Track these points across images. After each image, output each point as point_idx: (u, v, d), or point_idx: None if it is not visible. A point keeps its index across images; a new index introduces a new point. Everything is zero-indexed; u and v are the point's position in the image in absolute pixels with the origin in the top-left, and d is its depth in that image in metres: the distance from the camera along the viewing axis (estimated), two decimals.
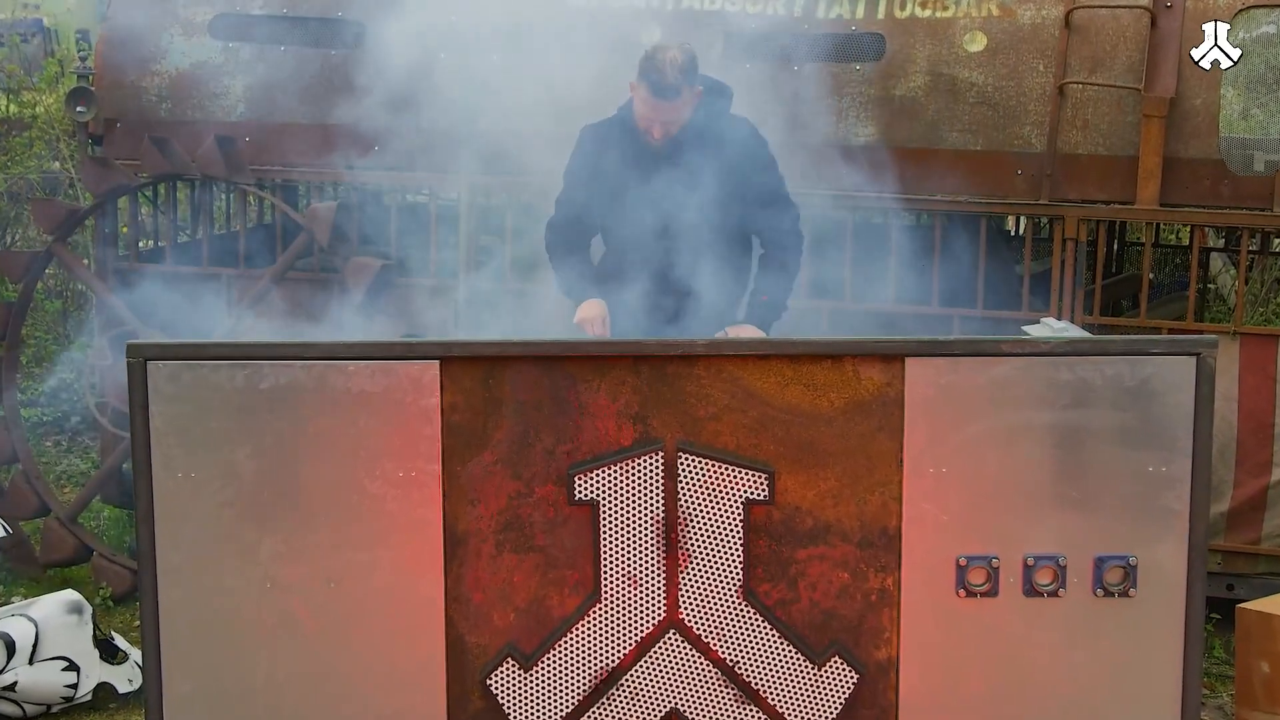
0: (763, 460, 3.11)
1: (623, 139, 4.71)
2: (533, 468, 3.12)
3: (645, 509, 3.11)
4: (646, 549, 3.13)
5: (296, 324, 5.87)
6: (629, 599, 3.14)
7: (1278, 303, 8.32)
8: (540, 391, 3.09)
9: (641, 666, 3.16)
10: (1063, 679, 3.16)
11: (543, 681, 3.17)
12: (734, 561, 3.13)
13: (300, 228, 5.66)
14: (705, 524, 3.12)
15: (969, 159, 5.45)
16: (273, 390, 3.08)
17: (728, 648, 3.16)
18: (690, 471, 3.10)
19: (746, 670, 3.16)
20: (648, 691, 3.17)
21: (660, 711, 3.18)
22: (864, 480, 3.12)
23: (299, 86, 6.06)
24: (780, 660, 3.16)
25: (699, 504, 3.11)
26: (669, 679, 3.17)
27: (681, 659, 3.16)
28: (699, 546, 3.12)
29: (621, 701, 3.17)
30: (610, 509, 3.11)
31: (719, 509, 3.11)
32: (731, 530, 3.12)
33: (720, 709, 3.18)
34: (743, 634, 3.15)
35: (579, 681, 3.17)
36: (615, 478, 3.11)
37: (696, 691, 3.17)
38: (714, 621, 3.15)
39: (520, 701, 3.17)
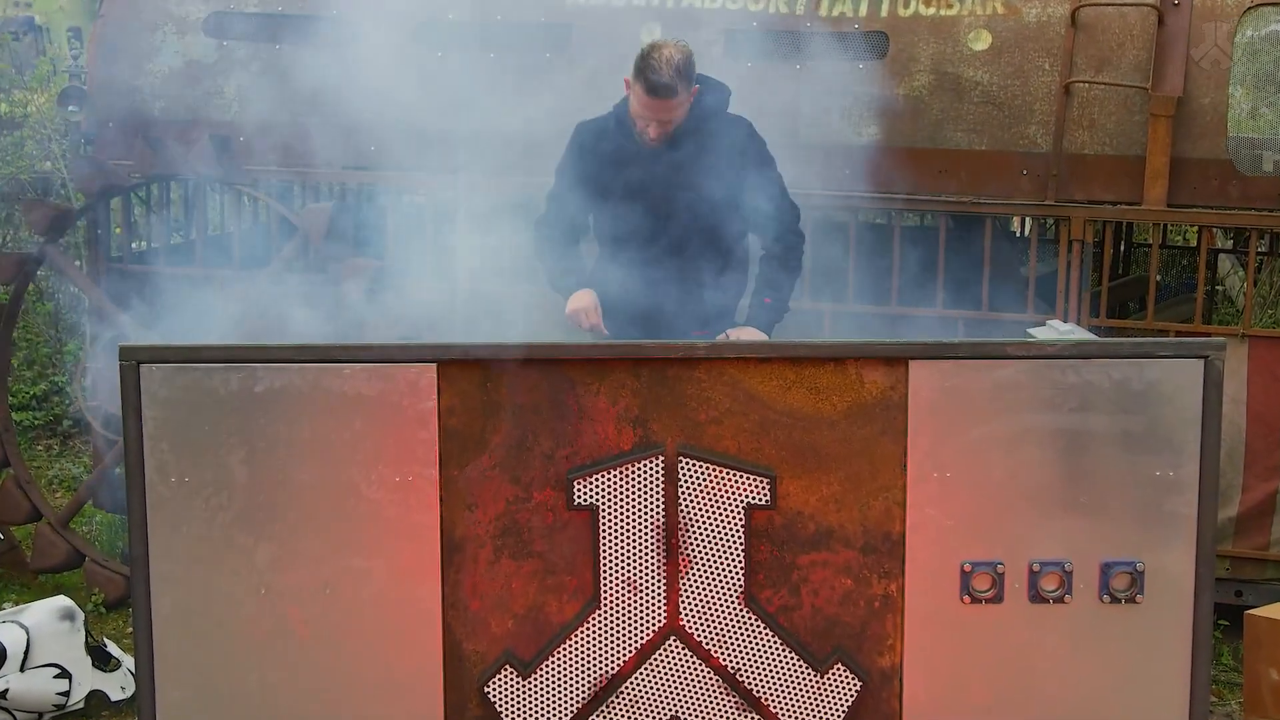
0: (764, 464, 3.11)
1: (617, 135, 4.71)
2: (531, 472, 3.12)
3: (645, 514, 3.11)
4: (647, 554, 3.13)
5: (291, 326, 5.87)
6: (629, 605, 3.14)
7: None
8: (539, 395, 3.10)
9: (642, 674, 3.16)
10: (1069, 687, 3.16)
11: (542, 689, 3.17)
12: (735, 567, 3.13)
13: (295, 228, 5.66)
14: (706, 529, 3.12)
15: (973, 159, 5.45)
16: (267, 393, 3.08)
17: (729, 654, 3.16)
18: (691, 476, 3.10)
19: (748, 677, 3.16)
20: (648, 699, 3.17)
21: (661, 719, 3.18)
22: (867, 485, 3.12)
23: (294, 85, 6.06)
24: (782, 667, 3.16)
25: (700, 509, 3.11)
26: (670, 686, 3.17)
27: (682, 666, 3.16)
28: (700, 552, 3.13)
29: (621, 709, 3.17)
30: (610, 514, 3.11)
31: (720, 514, 3.11)
32: (733, 535, 3.12)
33: (721, 717, 3.18)
34: (744, 641, 3.15)
35: (578, 689, 3.17)
36: (615, 482, 3.11)
37: (697, 699, 3.17)
38: (715, 628, 3.15)
39: (519, 709, 3.17)
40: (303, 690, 3.15)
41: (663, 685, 3.17)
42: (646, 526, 3.12)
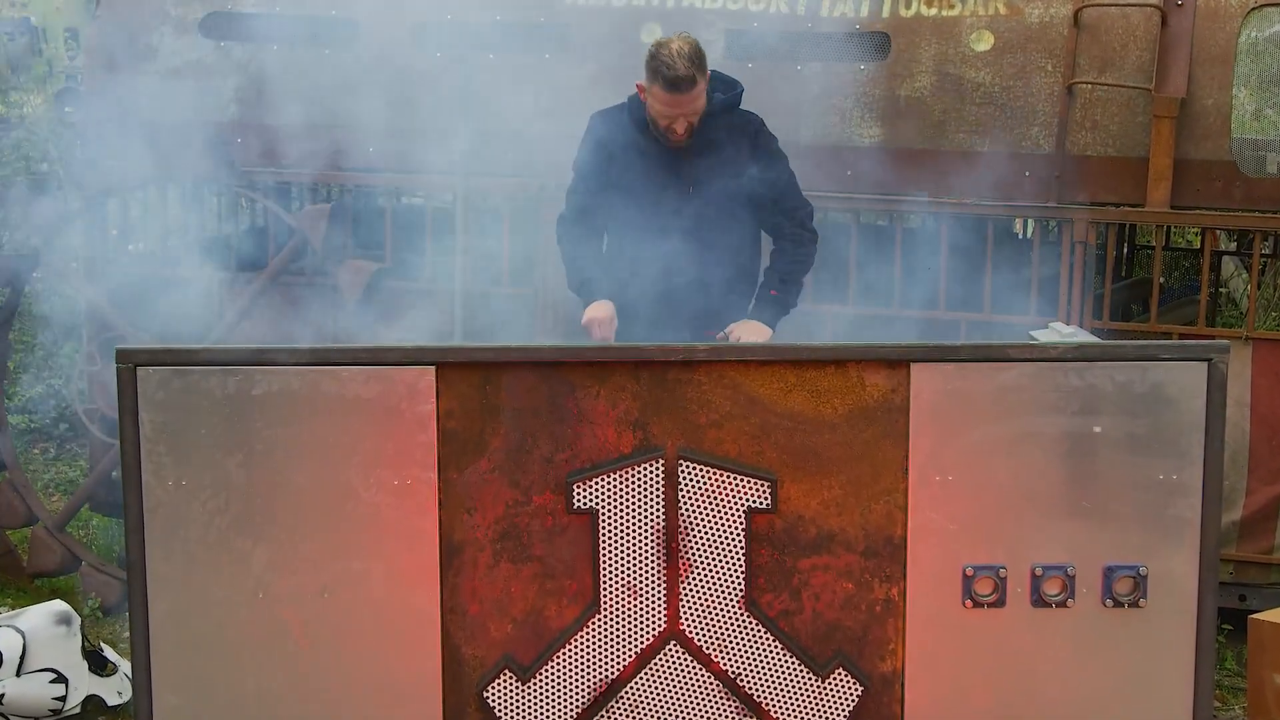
0: (765, 468, 3.11)
1: (631, 127, 4.71)
2: (530, 476, 3.12)
3: (645, 518, 3.12)
4: (647, 558, 3.13)
5: (289, 328, 5.87)
6: (629, 609, 3.14)
7: None
8: (538, 398, 3.10)
9: (642, 678, 3.16)
10: (1071, 691, 3.16)
11: (541, 693, 3.17)
12: (736, 571, 3.13)
13: (293, 230, 5.66)
14: (706, 533, 3.12)
15: (976, 160, 5.45)
16: (265, 396, 3.08)
17: (729, 659, 3.16)
18: (691, 479, 3.11)
19: (749, 682, 3.16)
20: (648, 704, 3.17)
21: None
22: (868, 488, 3.12)
23: (292, 86, 6.06)
24: (783, 672, 3.16)
25: (700, 512, 3.11)
26: (670, 691, 3.17)
27: (682, 670, 3.16)
28: (700, 556, 3.13)
29: (621, 714, 3.17)
30: (610, 518, 3.11)
31: (720, 518, 3.11)
32: (733, 539, 3.12)
33: None
34: (745, 645, 3.15)
35: (578, 693, 3.17)
36: (615, 486, 3.11)
37: (698, 704, 3.17)
38: (715, 632, 3.15)
39: (518, 714, 3.17)
40: (300, 695, 3.15)
41: (663, 690, 3.17)
42: (646, 530, 3.12)
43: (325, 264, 5.63)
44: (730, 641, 3.15)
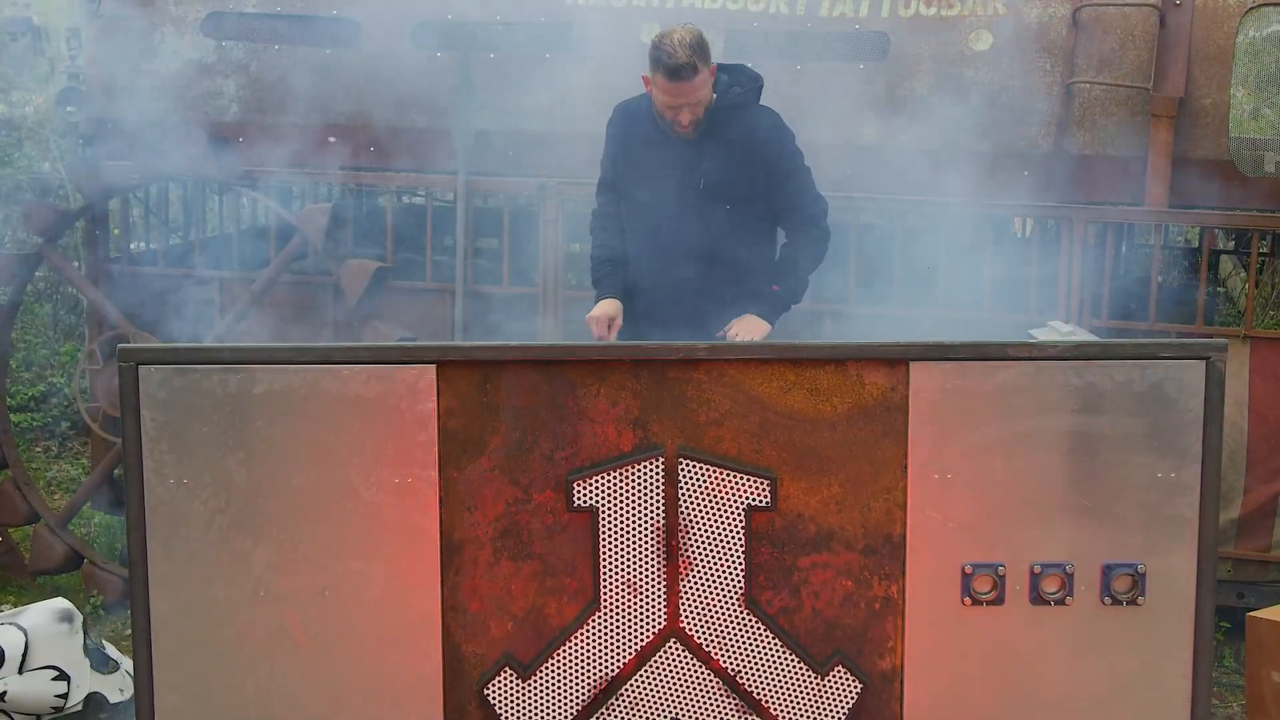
0: (765, 466, 3.11)
1: (649, 118, 4.70)
2: (531, 474, 3.12)
3: (645, 515, 3.11)
4: (647, 556, 3.13)
5: (290, 328, 5.87)
6: (629, 607, 3.14)
7: None
8: (538, 396, 3.10)
9: (642, 676, 3.16)
10: (1070, 689, 3.16)
11: (541, 691, 3.17)
12: (735, 569, 3.13)
13: (294, 230, 5.66)
14: (706, 531, 3.12)
15: (975, 159, 5.45)
16: (266, 395, 3.08)
17: (729, 657, 3.16)
18: (691, 477, 3.10)
19: (748, 680, 3.16)
20: (648, 701, 3.17)
21: None
22: (868, 486, 3.12)
23: (292, 86, 6.06)
24: (782, 669, 3.16)
25: (700, 510, 3.11)
26: (670, 688, 3.17)
27: (682, 668, 3.16)
28: (700, 554, 3.13)
29: (621, 711, 3.17)
30: (610, 515, 3.11)
31: (720, 515, 3.11)
32: (733, 537, 3.12)
33: (722, 719, 3.18)
34: (744, 643, 3.15)
35: (578, 691, 3.17)
36: (615, 484, 3.11)
37: (697, 701, 3.17)
38: (715, 630, 3.15)
39: (518, 711, 3.17)
40: (301, 693, 3.15)
41: (663, 687, 3.17)
42: (646, 528, 3.12)
43: (326, 263, 5.63)
44: (730, 639, 3.15)
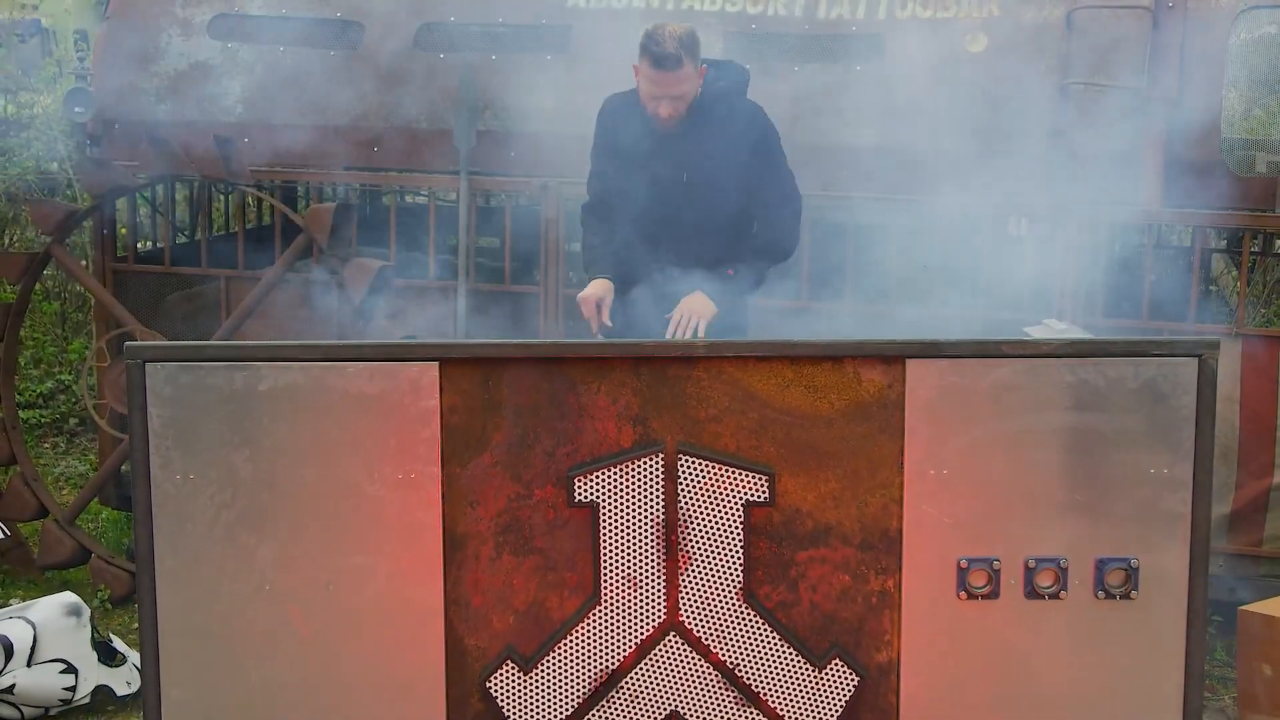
0: (763, 462, 3.11)
1: (637, 111, 4.72)
2: (532, 470, 3.11)
3: (645, 511, 3.11)
4: (646, 551, 3.13)
5: (295, 325, 5.87)
6: (629, 601, 3.14)
7: None
8: (540, 393, 3.09)
9: (642, 669, 3.16)
10: (1064, 682, 3.16)
11: (543, 684, 3.16)
12: (734, 564, 3.13)
13: (299, 229, 5.66)
14: (705, 526, 3.12)
15: (970, 159, 5.44)
16: (271, 392, 3.07)
17: (728, 650, 3.15)
18: (690, 473, 3.10)
19: (747, 673, 3.16)
20: (648, 694, 3.17)
21: (660, 714, 3.18)
22: (865, 482, 3.12)
23: (298, 87, 6.06)
24: (781, 663, 3.16)
25: (699, 506, 3.11)
26: (669, 681, 3.17)
27: (682, 661, 3.16)
28: (699, 548, 3.12)
29: (622, 704, 3.17)
30: (610, 511, 3.11)
31: (719, 511, 3.11)
32: (732, 532, 3.11)
33: (721, 712, 3.18)
34: (743, 636, 3.15)
35: (579, 684, 3.17)
36: (615, 480, 3.11)
37: (697, 694, 3.17)
38: (714, 624, 3.15)
39: (520, 704, 3.17)
40: (306, 686, 3.15)
41: (662, 680, 3.17)
42: (646, 523, 3.12)
43: (331, 261, 5.62)
44: (729, 633, 3.15)
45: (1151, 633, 3.14)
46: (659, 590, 3.14)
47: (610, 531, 3.12)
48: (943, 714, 3.18)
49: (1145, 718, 3.16)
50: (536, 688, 3.16)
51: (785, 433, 3.11)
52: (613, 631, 3.15)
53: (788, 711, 3.17)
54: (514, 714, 3.17)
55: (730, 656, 3.15)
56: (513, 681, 3.16)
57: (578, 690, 3.17)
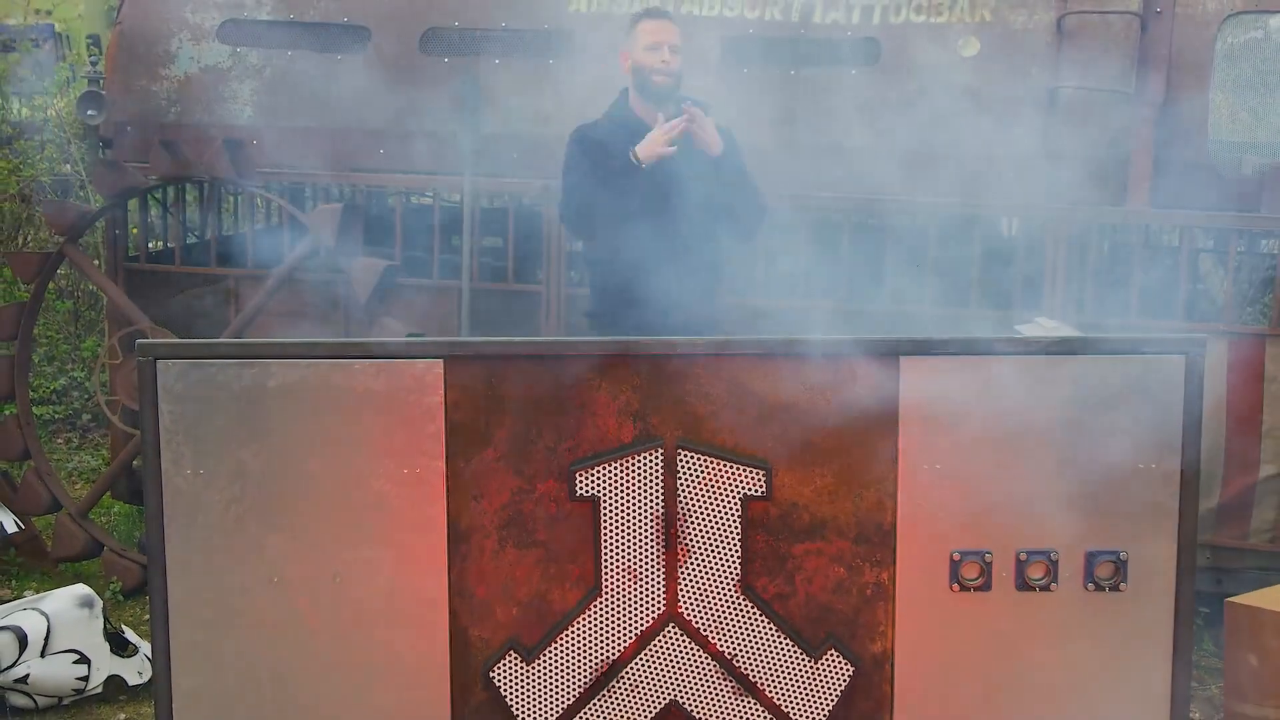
0: (760, 457, 3.11)
1: (614, 132, 4.76)
2: (534, 464, 3.11)
3: (645, 505, 3.11)
4: (646, 544, 3.12)
5: (302, 323, 5.87)
6: (629, 593, 3.14)
7: (1265, 303, 8.31)
8: (542, 390, 3.09)
9: (641, 659, 3.16)
10: (1055, 671, 3.16)
11: (544, 674, 3.16)
12: (732, 556, 3.12)
13: (306, 229, 5.65)
14: (704, 519, 3.12)
15: (963, 161, 5.44)
16: (279, 389, 3.07)
17: (726, 641, 3.15)
18: (689, 468, 3.10)
19: (744, 663, 3.16)
20: (647, 684, 3.17)
21: (660, 703, 3.18)
22: (860, 477, 3.12)
23: (305, 90, 6.06)
24: (777, 653, 3.16)
25: (698, 500, 3.11)
26: (668, 671, 3.17)
27: (681, 652, 3.16)
28: (698, 542, 3.12)
29: (622, 693, 3.17)
30: (611, 505, 3.11)
31: (717, 505, 3.11)
32: (730, 526, 3.11)
33: (719, 701, 3.18)
34: (741, 627, 3.15)
35: (580, 674, 3.17)
36: (616, 474, 3.11)
37: (695, 684, 3.17)
38: (712, 615, 3.14)
39: (522, 693, 3.17)
40: (313, 676, 3.15)
41: (662, 670, 3.17)
42: (646, 517, 3.11)
43: (337, 261, 5.62)
44: (727, 624, 3.15)
45: (1140, 623, 3.14)
46: (658, 582, 3.14)
47: (611, 525, 3.11)
48: (936, 703, 3.18)
49: (1134, 706, 3.17)
50: (539, 677, 3.16)
51: (782, 428, 3.10)
52: (613, 622, 3.15)
53: (784, 701, 3.17)
54: (517, 703, 3.17)
55: (728, 647, 3.15)
56: (516, 671, 3.16)
57: (579, 680, 3.17)
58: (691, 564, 3.13)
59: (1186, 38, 5.39)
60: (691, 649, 3.16)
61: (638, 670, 3.17)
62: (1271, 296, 5.53)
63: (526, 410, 3.10)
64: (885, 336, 3.14)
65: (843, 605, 3.16)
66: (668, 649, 3.16)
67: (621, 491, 3.11)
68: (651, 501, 3.11)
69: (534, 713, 3.18)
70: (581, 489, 3.11)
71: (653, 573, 3.14)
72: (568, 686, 3.17)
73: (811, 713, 3.18)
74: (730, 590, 3.14)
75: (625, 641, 3.16)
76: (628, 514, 3.11)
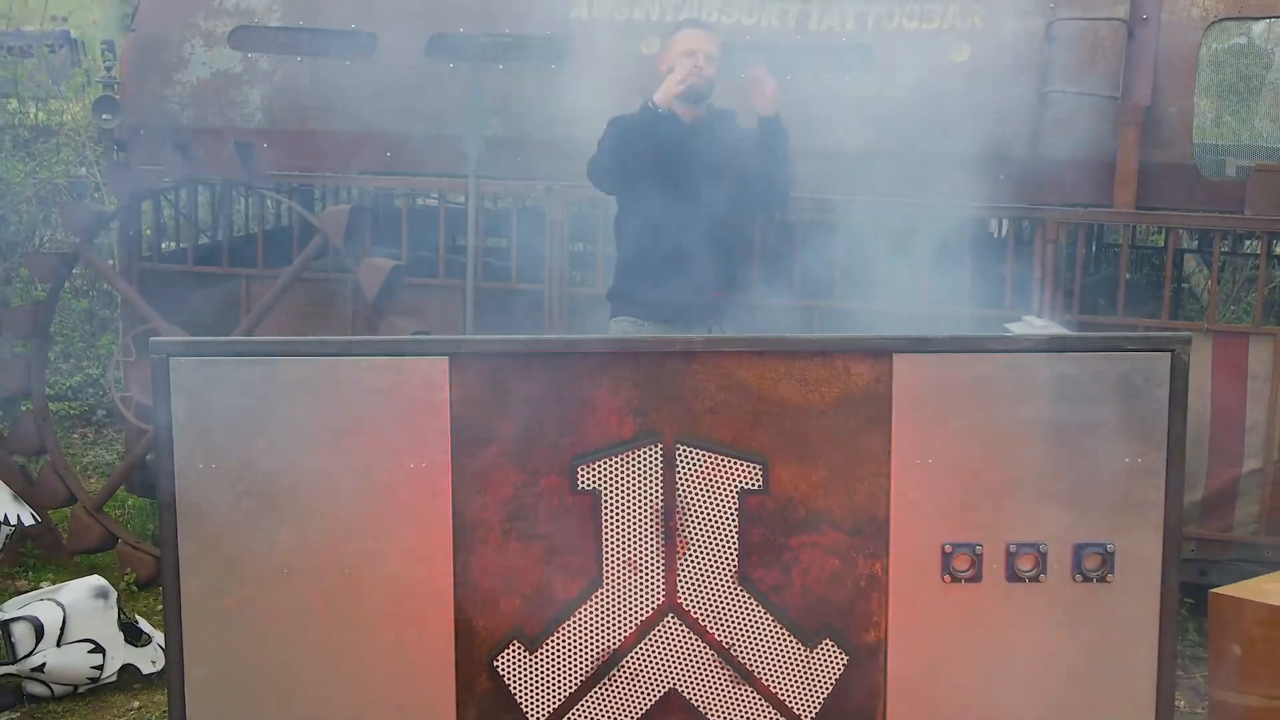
0: (757, 452, 3.10)
1: (652, 124, 4.87)
2: (537, 459, 3.11)
3: (645, 498, 3.11)
4: (646, 536, 3.12)
5: (311, 322, 5.87)
6: (629, 584, 3.14)
7: (1248, 302, 8.31)
8: (545, 387, 3.09)
9: (641, 649, 3.16)
10: (1043, 660, 3.16)
11: (547, 663, 3.16)
12: (730, 549, 3.12)
13: (315, 230, 5.65)
14: (702, 513, 3.11)
15: (953, 164, 5.43)
16: (289, 385, 3.07)
17: (724, 631, 3.15)
18: (688, 463, 3.10)
19: (741, 652, 3.16)
20: (647, 672, 3.17)
21: (659, 692, 3.18)
22: (854, 471, 3.11)
23: (314, 94, 6.05)
24: (774, 643, 3.15)
25: (696, 493, 3.11)
26: (667, 661, 3.17)
27: (679, 641, 3.16)
28: (696, 534, 3.12)
29: (622, 682, 3.17)
30: (611, 498, 3.11)
31: (715, 499, 3.11)
32: (727, 519, 3.11)
33: (716, 689, 3.17)
34: (738, 618, 3.15)
35: (581, 663, 3.16)
36: (616, 469, 3.10)
37: (694, 672, 3.17)
38: (711, 606, 3.14)
39: (526, 682, 3.17)
40: (322, 665, 3.14)
41: (661, 660, 3.17)
42: (646, 510, 3.11)
43: (345, 261, 5.62)
44: (724, 614, 3.14)
45: (1127, 614, 3.13)
46: (658, 574, 3.13)
47: (611, 518, 3.11)
48: (928, 691, 3.18)
49: (1121, 694, 3.16)
50: (541, 667, 3.16)
51: (778, 424, 3.10)
52: (614, 613, 3.15)
53: (780, 689, 3.17)
54: (520, 692, 3.17)
55: (726, 637, 3.15)
56: (519, 661, 3.16)
57: (580, 669, 3.17)
58: (690, 556, 3.13)
59: (1172, 43, 5.39)
60: (690, 639, 3.16)
61: (638, 659, 3.17)
62: (1254, 295, 5.52)
63: (529, 407, 3.09)
64: (878, 334, 3.13)
65: (837, 596, 3.16)
66: (667, 638, 3.16)
67: (622, 486, 3.11)
68: (651, 495, 3.11)
69: (537, 701, 3.17)
70: (583, 483, 3.11)
71: (652, 564, 3.13)
72: (569, 675, 3.17)
73: (807, 700, 3.18)
74: (728, 581, 3.14)
75: (625, 631, 3.16)
76: (628, 507, 3.11)
